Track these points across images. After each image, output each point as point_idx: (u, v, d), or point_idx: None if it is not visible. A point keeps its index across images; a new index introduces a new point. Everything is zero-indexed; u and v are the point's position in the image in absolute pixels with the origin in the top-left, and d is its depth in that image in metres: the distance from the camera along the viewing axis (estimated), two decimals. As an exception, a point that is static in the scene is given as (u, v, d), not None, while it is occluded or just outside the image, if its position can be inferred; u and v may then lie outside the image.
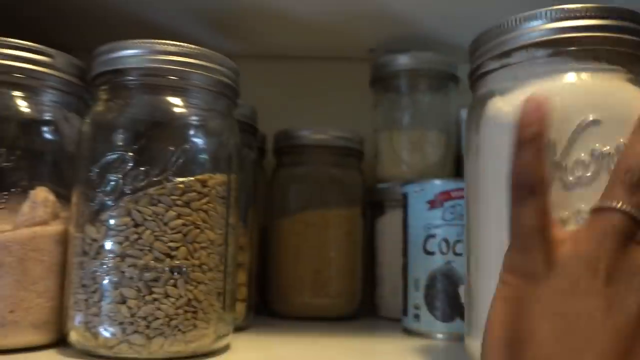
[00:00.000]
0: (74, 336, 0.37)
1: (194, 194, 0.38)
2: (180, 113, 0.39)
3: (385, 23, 0.64)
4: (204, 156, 0.39)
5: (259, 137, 0.57)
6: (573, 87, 0.33)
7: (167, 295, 0.36)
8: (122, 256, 0.36)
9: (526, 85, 0.33)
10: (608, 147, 0.30)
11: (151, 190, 0.37)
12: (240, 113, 0.52)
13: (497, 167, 0.32)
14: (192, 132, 0.39)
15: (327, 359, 0.42)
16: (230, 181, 0.41)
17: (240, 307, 0.51)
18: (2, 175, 0.37)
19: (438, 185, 0.51)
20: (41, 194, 0.39)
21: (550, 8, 0.33)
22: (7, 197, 0.38)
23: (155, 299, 0.36)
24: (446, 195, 0.51)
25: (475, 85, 0.39)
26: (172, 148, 0.37)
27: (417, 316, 0.51)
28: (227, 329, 0.40)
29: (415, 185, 0.53)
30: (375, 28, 0.66)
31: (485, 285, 0.34)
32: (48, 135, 0.41)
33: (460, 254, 0.50)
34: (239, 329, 0.50)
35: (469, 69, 0.39)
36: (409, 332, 0.52)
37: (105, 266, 0.36)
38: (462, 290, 0.50)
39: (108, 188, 0.37)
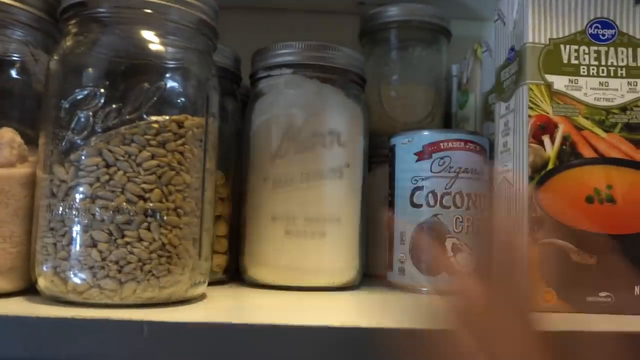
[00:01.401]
0: (42, 282, 0.36)
1: (169, 134, 0.36)
2: (156, 50, 0.37)
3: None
4: (180, 96, 0.37)
5: (242, 88, 0.55)
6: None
7: (140, 239, 0.35)
8: (92, 198, 0.34)
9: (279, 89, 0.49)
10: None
11: (123, 129, 0.35)
12: (222, 60, 0.51)
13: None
14: (168, 70, 0.37)
15: (306, 308, 0.41)
16: (208, 124, 0.39)
17: (221, 260, 0.49)
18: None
19: (427, 136, 0.50)
20: (6, 135, 0.37)
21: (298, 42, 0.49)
22: (-30, 136, 0.36)
23: (127, 243, 0.34)
24: (435, 147, 0.49)
25: (252, 85, 0.52)
26: (146, 85, 0.35)
27: (401, 270, 0.50)
28: (203, 277, 0.39)
29: (403, 137, 0.51)
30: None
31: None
32: (14, 74, 0.38)
33: (447, 207, 0.49)
34: (219, 282, 0.49)
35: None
36: (393, 287, 0.51)
37: (74, 208, 0.34)
38: (449, 243, 0.49)
39: (78, 126, 0.35)
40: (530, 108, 0.41)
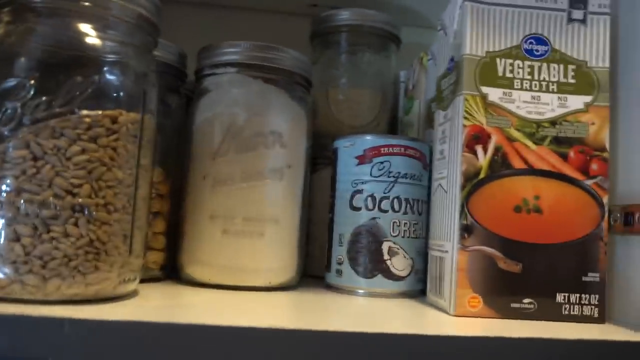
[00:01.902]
0: (-37, 275, 0.35)
1: (101, 129, 0.35)
2: (92, 44, 0.36)
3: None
4: (116, 91, 0.37)
5: (188, 84, 0.54)
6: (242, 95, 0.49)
7: (66, 235, 0.34)
8: (17, 191, 0.33)
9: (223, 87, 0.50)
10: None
11: (53, 122, 0.34)
12: (167, 56, 0.50)
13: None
14: (104, 64, 0.36)
15: (239, 308, 0.41)
16: (144, 121, 0.38)
17: (157, 257, 0.49)
18: None
19: (368, 140, 0.51)
20: None
21: (244, 42, 0.50)
22: None
23: (53, 238, 0.34)
24: (375, 151, 0.50)
25: (197, 81, 0.52)
26: (79, 79, 0.35)
27: (339, 272, 0.51)
28: (134, 274, 0.38)
29: (345, 140, 0.52)
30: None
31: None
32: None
33: (385, 211, 0.50)
34: (154, 279, 0.49)
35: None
36: (331, 288, 0.52)
37: (-2, 201, 0.34)
38: (385, 246, 0.49)
39: (5, 117, 0.34)
40: (465, 118, 0.42)
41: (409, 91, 0.62)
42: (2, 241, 0.33)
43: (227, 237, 0.47)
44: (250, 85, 0.49)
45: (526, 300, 0.41)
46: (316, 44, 0.66)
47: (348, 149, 0.51)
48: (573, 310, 0.41)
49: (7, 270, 0.33)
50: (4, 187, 0.34)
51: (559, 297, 0.41)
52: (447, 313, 0.42)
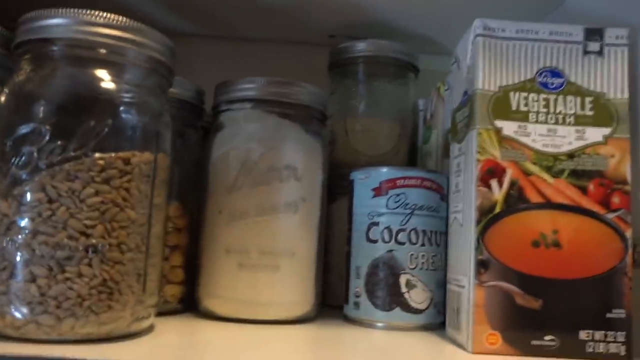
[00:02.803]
0: (-19, 315, 0.36)
1: (114, 171, 0.36)
2: (107, 88, 0.37)
3: (346, 9, 0.63)
4: (128, 133, 0.37)
5: (205, 117, 0.55)
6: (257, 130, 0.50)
7: (80, 275, 0.35)
8: (33, 233, 0.34)
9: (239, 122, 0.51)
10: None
11: (68, 166, 0.35)
12: (184, 92, 0.51)
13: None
14: (117, 107, 0.37)
15: (257, 343, 0.41)
16: (158, 160, 0.39)
17: (176, 290, 0.49)
18: None
19: (384, 172, 0.50)
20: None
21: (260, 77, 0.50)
22: None
23: (67, 278, 0.34)
24: (391, 184, 0.50)
25: (214, 116, 0.53)
26: (92, 123, 0.36)
27: (357, 304, 0.50)
28: (148, 312, 0.39)
29: (361, 172, 0.52)
30: (336, 14, 0.65)
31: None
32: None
33: (402, 243, 0.49)
34: (173, 312, 0.49)
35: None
36: (349, 320, 0.51)
37: (15, 243, 0.34)
38: (403, 279, 0.49)
39: (22, 161, 0.35)
40: (479, 152, 0.41)
41: (427, 120, 0.62)
42: (18, 282, 0.34)
43: (243, 271, 0.48)
44: (266, 120, 0.50)
45: (547, 337, 0.40)
46: (334, 75, 0.66)
47: (363, 181, 0.51)
48: (598, 348, 0.40)
49: (23, 310, 0.34)
50: (20, 230, 0.35)
51: (583, 334, 0.40)
52: (465, 350, 0.41)
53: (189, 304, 0.51)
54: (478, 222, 0.41)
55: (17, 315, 0.34)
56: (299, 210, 0.49)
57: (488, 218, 0.41)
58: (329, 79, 0.67)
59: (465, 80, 0.45)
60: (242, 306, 0.48)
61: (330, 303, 0.59)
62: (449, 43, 0.70)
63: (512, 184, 0.41)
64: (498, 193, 0.41)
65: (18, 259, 0.34)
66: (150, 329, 0.41)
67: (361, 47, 0.63)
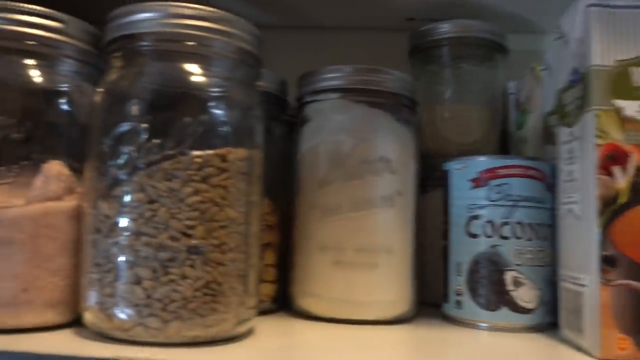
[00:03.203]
0: (88, 317, 0.35)
1: (212, 169, 0.35)
2: (198, 82, 0.36)
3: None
4: (223, 129, 0.36)
5: (289, 109, 0.54)
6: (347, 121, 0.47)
7: (184, 277, 0.34)
8: (136, 234, 0.34)
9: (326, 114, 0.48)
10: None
11: (166, 165, 0.34)
12: (267, 85, 0.49)
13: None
14: (210, 102, 0.36)
15: (357, 345, 0.39)
16: (253, 156, 0.38)
17: (269, 289, 0.48)
18: (12, 147, 0.35)
19: (483, 162, 0.47)
20: (55, 168, 0.37)
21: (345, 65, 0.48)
22: (17, 170, 0.35)
23: (171, 280, 0.33)
24: (492, 173, 0.46)
25: (300, 109, 0.51)
26: (188, 119, 0.34)
27: (458, 303, 0.47)
28: (250, 313, 0.38)
29: (457, 162, 0.49)
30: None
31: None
32: (61, 106, 0.38)
33: (507, 237, 0.46)
34: (266, 311, 0.48)
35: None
36: (449, 320, 0.48)
37: (119, 244, 0.34)
38: (508, 276, 0.46)
39: (121, 161, 0.34)
40: (598, 136, 0.37)
41: (521, 104, 0.57)
42: (123, 284, 0.34)
43: (338, 268, 0.46)
44: (355, 110, 0.47)
45: (684, 341, 0.36)
46: (416, 60, 0.63)
47: (460, 171, 0.48)
48: None
49: (130, 312, 0.33)
50: (123, 231, 0.34)
51: None
52: (590, 355, 0.37)
53: (282, 302, 0.50)
54: (600, 213, 0.37)
55: (125, 317, 0.33)
56: (395, 205, 0.46)
57: (612, 209, 0.37)
58: (410, 65, 0.64)
59: (575, 55, 0.41)
60: (339, 305, 0.46)
61: (424, 300, 0.56)
62: (539, 19, 0.66)
63: (639, 170, 0.37)
64: (622, 181, 0.37)
65: (122, 260, 0.34)
66: (250, 331, 0.40)
67: (445, 28, 0.59)
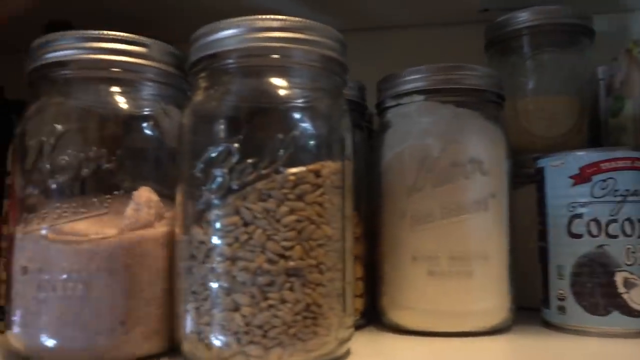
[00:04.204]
0: (186, 346, 0.34)
1: (307, 185, 0.33)
2: (286, 95, 0.35)
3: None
4: (314, 142, 0.34)
5: (366, 116, 0.52)
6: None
7: (283, 301, 0.32)
8: (232, 259, 0.32)
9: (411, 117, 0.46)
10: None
11: (260, 185, 0.33)
12: (348, 91, 0.48)
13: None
14: (300, 116, 0.34)
15: (462, 357, 0.37)
16: (345, 168, 0.36)
17: (358, 304, 0.46)
18: (104, 177, 0.35)
19: (583, 156, 0.44)
20: (144, 195, 0.36)
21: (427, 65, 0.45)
22: (110, 200, 0.35)
23: (271, 306, 0.32)
24: (595, 168, 0.43)
25: (380, 114, 0.49)
26: (280, 136, 0.33)
27: (562, 309, 0.44)
28: (349, 333, 0.36)
29: (554, 158, 0.45)
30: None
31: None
32: (148, 131, 0.38)
33: (615, 236, 0.42)
34: (356, 327, 0.46)
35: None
36: (552, 327, 0.45)
37: (215, 271, 0.33)
38: (619, 278, 0.42)
39: (214, 185, 0.33)
40: None
41: (615, 89, 0.53)
42: (221, 311, 0.33)
43: (433, 279, 0.43)
44: (441, 111, 0.45)
45: None
46: (493, 53, 0.60)
47: (559, 168, 0.45)
48: None
49: (228, 340, 0.32)
50: (219, 257, 0.33)
51: None
52: None
53: (370, 316, 0.48)
54: None
55: (223, 346, 0.32)
56: (488, 208, 0.44)
57: None
58: (487, 58, 0.61)
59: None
60: (434, 318, 0.43)
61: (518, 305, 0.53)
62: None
63: None
64: None
65: (219, 287, 0.33)
66: (347, 352, 0.38)
67: (524, 16, 0.56)
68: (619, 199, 0.42)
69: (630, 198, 0.42)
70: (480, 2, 0.63)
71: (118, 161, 0.35)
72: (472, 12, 0.64)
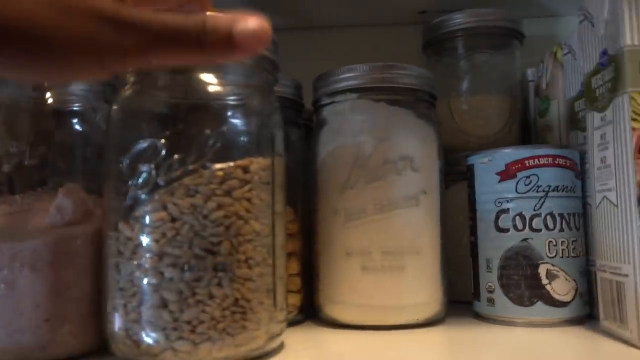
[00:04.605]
0: (114, 344, 0.34)
1: (234, 181, 0.33)
2: (215, 92, 0.35)
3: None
4: (244, 138, 0.35)
5: (304, 113, 0.52)
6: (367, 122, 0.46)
7: (211, 296, 0.32)
8: (160, 255, 0.32)
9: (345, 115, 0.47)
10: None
11: (187, 180, 0.33)
12: (283, 89, 0.48)
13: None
14: (229, 112, 0.35)
15: (391, 350, 0.38)
16: (275, 165, 0.36)
17: (294, 300, 0.47)
18: (27, 173, 0.34)
19: (509, 153, 0.45)
20: (69, 191, 0.35)
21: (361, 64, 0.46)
22: (34, 196, 0.34)
23: (199, 301, 0.32)
24: (519, 165, 0.45)
25: (316, 112, 0.49)
26: (208, 131, 0.33)
27: (490, 300, 0.46)
28: (280, 327, 0.36)
29: (482, 155, 0.47)
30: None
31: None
32: (76, 127, 0.37)
33: (538, 230, 0.44)
34: (293, 322, 0.47)
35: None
36: (482, 318, 0.47)
37: (142, 267, 0.33)
38: (542, 270, 0.44)
39: (140, 180, 0.33)
40: (634, 120, 0.36)
41: (542, 90, 0.56)
42: (149, 308, 0.32)
43: (366, 274, 0.44)
44: (374, 109, 0.46)
45: None
46: (430, 53, 0.61)
47: (486, 164, 0.47)
48: None
49: (157, 336, 0.32)
50: (146, 253, 0.33)
51: None
52: (634, 345, 0.36)
53: (308, 312, 0.49)
54: (640, 200, 0.35)
55: (152, 342, 0.32)
56: (420, 204, 0.45)
57: (652, 195, 0.35)
58: (424, 58, 0.62)
59: (603, 38, 0.39)
60: (369, 312, 0.44)
61: (450, 298, 0.55)
62: (556, 3, 0.64)
63: (678, 152, 0.35)
64: (660, 165, 0.35)
65: (147, 283, 0.33)
66: (281, 346, 0.38)
67: (460, 19, 0.58)
68: (541, 194, 0.44)
69: (551, 193, 0.44)
70: (418, 4, 0.64)
71: (42, 157, 0.34)
72: (412, 13, 0.66)
